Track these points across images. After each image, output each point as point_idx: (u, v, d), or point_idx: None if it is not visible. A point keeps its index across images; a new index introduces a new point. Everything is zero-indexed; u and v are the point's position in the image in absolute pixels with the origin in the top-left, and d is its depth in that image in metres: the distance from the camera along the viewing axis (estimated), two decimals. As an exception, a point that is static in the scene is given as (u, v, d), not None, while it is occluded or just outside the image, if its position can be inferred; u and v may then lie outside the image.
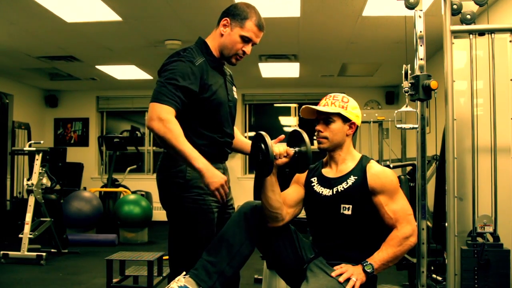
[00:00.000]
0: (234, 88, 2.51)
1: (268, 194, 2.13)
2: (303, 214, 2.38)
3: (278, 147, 2.10)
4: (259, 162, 2.09)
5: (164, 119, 2.07)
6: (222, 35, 2.32)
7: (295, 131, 2.17)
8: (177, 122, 2.10)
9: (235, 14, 2.29)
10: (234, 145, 2.55)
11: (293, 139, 2.18)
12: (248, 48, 2.33)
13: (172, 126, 2.07)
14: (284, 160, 2.13)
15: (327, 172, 2.30)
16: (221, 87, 2.33)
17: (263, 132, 2.08)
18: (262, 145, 2.06)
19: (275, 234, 2.20)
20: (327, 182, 2.24)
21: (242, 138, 2.63)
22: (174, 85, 2.14)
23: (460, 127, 2.55)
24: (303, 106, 2.28)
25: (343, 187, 2.18)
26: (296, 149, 2.14)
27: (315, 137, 2.31)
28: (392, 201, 2.15)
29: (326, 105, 2.24)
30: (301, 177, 2.36)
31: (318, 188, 2.25)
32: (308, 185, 2.31)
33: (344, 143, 2.26)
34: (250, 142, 2.55)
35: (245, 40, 2.30)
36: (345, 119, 2.24)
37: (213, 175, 2.08)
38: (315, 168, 2.37)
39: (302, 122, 9.33)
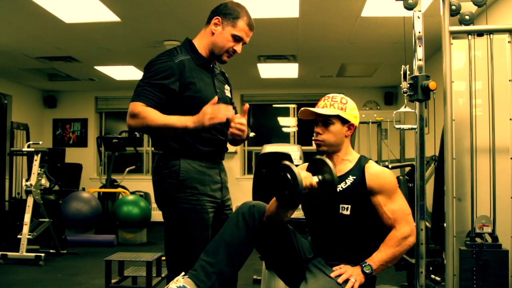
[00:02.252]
0: (226, 87, 2.48)
1: (282, 215, 2.13)
2: (301, 215, 2.38)
3: (305, 180, 2.00)
4: (285, 196, 2.00)
5: (136, 112, 2.13)
6: (213, 33, 2.32)
7: (318, 159, 2.12)
8: (148, 109, 2.14)
9: (226, 13, 2.30)
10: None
11: (315, 167, 2.12)
12: (239, 47, 2.34)
13: (145, 113, 2.13)
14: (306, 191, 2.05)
15: (326, 172, 2.29)
16: (207, 85, 2.32)
17: (288, 163, 1.99)
18: (289, 176, 1.95)
19: (274, 234, 2.20)
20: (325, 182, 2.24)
21: None
22: (148, 83, 2.18)
23: (459, 128, 2.55)
24: (302, 108, 2.27)
25: (341, 187, 2.18)
26: (320, 177, 2.06)
27: (313, 138, 2.30)
28: (390, 201, 2.15)
29: (325, 107, 2.23)
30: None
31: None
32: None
33: (343, 144, 2.26)
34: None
35: (236, 39, 2.31)
36: (344, 121, 2.23)
37: (203, 114, 2.11)
38: (314, 168, 2.36)
39: (301, 123, 9.34)
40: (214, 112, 2.11)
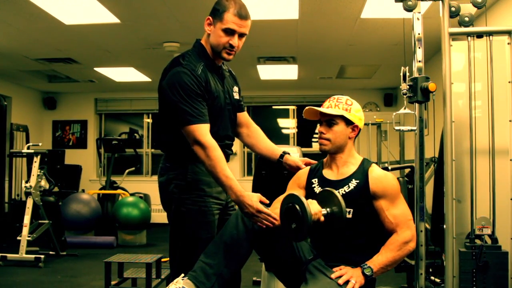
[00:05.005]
0: (235, 89, 2.48)
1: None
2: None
3: (314, 216, 1.98)
4: (294, 229, 1.95)
5: (203, 143, 2.11)
6: (208, 34, 2.29)
7: (326, 191, 2.09)
8: (217, 147, 2.13)
9: (215, 10, 2.25)
10: (260, 150, 2.55)
11: (323, 198, 2.09)
12: (234, 40, 2.24)
13: (210, 152, 2.10)
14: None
15: (328, 174, 2.29)
16: (220, 91, 2.33)
17: (301, 198, 1.95)
18: (298, 207, 1.91)
19: (273, 235, 2.19)
20: (328, 185, 2.23)
21: (268, 143, 2.58)
22: (194, 99, 2.15)
23: (458, 129, 2.55)
24: (307, 107, 2.28)
25: (344, 191, 2.18)
26: (328, 209, 2.04)
27: (315, 139, 2.31)
28: (393, 205, 2.15)
29: (329, 107, 2.24)
30: (301, 178, 2.35)
31: (318, 190, 2.25)
32: (309, 186, 2.30)
33: (346, 146, 2.26)
34: (275, 146, 2.55)
35: (228, 32, 2.23)
36: (348, 122, 2.24)
37: (243, 206, 2.07)
38: (316, 168, 2.36)
39: (301, 124, 9.34)
40: (260, 218, 2.06)
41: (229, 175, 2.11)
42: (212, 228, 2.28)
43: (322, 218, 2.01)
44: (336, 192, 2.05)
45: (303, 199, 1.92)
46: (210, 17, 2.26)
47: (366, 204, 2.16)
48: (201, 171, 2.24)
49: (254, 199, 2.05)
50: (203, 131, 2.13)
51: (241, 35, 2.26)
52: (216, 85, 2.30)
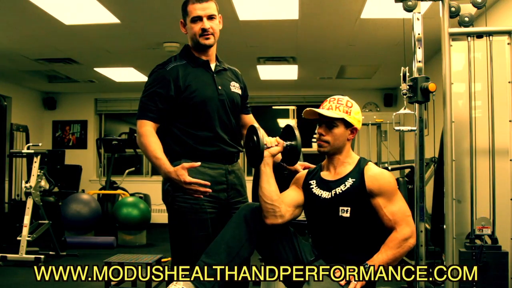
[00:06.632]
0: (234, 83, 2.50)
1: (264, 185, 2.16)
2: (302, 217, 2.38)
3: (270, 138, 2.22)
4: (251, 149, 2.19)
5: (139, 133, 2.28)
6: (186, 34, 2.41)
7: (287, 126, 2.27)
8: (150, 134, 2.27)
9: (182, 11, 2.39)
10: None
11: (285, 133, 2.28)
12: (204, 24, 2.33)
13: (143, 139, 2.26)
14: (276, 149, 2.21)
15: (326, 175, 2.30)
16: (205, 84, 2.37)
17: (255, 124, 2.22)
18: (254, 136, 2.17)
19: (275, 236, 2.19)
20: (325, 185, 2.24)
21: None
22: (147, 96, 2.33)
23: (458, 129, 2.56)
24: (307, 108, 2.28)
25: (341, 190, 2.18)
26: (288, 142, 2.23)
27: (314, 140, 2.31)
28: (390, 203, 2.15)
29: (330, 109, 2.24)
30: (300, 179, 2.36)
31: (317, 191, 2.25)
32: (307, 187, 2.30)
33: (344, 147, 2.27)
34: None
35: (196, 20, 2.33)
36: (348, 124, 2.24)
37: (173, 183, 2.17)
38: (314, 171, 2.36)
39: (300, 124, 9.33)
40: (190, 189, 2.14)
41: (158, 156, 2.22)
42: (206, 226, 2.29)
43: (282, 142, 2.22)
44: (295, 127, 2.25)
45: (259, 130, 2.16)
46: (181, 20, 2.41)
47: (364, 203, 2.16)
48: (194, 169, 2.24)
49: (179, 173, 2.13)
50: (143, 124, 2.29)
51: (209, 18, 2.34)
52: (198, 80, 2.35)
